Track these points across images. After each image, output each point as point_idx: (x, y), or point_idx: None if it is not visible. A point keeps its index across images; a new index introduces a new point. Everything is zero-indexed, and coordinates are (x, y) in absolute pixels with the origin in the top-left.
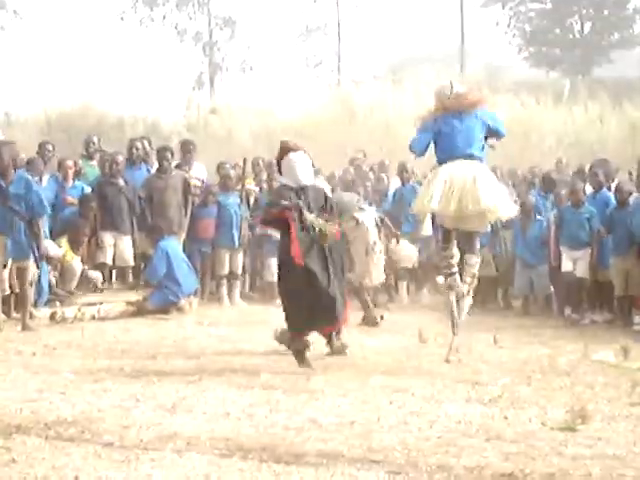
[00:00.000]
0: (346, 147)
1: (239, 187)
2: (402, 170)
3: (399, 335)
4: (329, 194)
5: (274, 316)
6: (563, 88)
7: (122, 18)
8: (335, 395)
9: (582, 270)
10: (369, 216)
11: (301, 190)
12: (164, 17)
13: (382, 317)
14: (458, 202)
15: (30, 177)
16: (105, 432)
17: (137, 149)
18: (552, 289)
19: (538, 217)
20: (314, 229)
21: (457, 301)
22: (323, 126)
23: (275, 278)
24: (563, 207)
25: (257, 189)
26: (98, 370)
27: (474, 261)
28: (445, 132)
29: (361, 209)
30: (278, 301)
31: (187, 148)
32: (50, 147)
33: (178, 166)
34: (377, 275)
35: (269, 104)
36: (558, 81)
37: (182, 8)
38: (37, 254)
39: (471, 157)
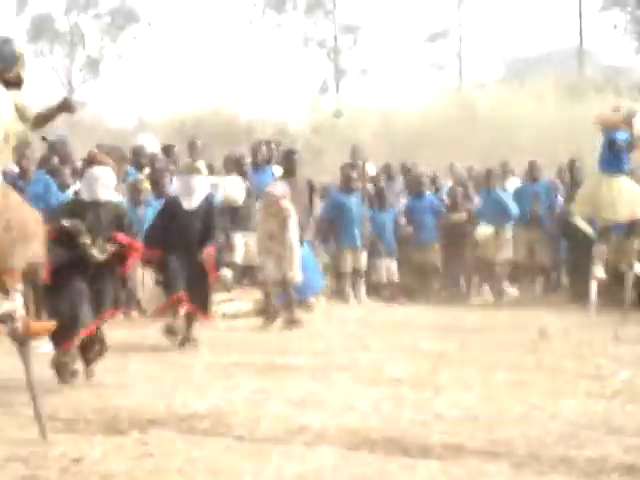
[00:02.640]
0: (467, 149)
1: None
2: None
3: (521, 330)
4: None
5: (399, 314)
6: None
7: (251, 22)
8: (459, 390)
9: None
10: None
11: (94, 206)
12: (292, 23)
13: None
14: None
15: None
16: (237, 425)
17: (261, 152)
18: None
19: None
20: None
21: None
22: (444, 128)
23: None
24: None
25: None
26: (229, 365)
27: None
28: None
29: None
30: (402, 300)
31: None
32: (176, 150)
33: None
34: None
35: (392, 107)
36: None
37: (309, 15)
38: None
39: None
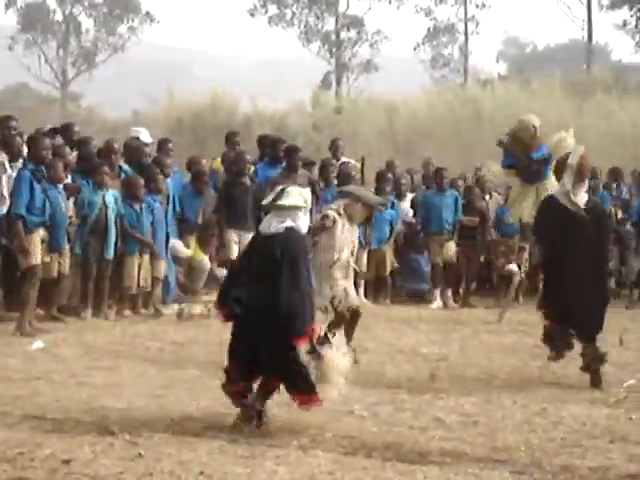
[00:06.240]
0: (472, 148)
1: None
2: None
3: (525, 335)
4: None
5: (398, 314)
6: None
7: (252, 15)
8: (459, 395)
9: None
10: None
11: None
12: (293, 15)
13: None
14: None
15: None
16: (230, 428)
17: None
18: None
19: None
20: None
21: None
22: (448, 126)
23: None
24: None
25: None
26: (223, 366)
27: None
28: None
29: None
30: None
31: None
32: (171, 145)
33: (305, 165)
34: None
35: (394, 104)
36: None
37: (312, 8)
38: None
39: None
